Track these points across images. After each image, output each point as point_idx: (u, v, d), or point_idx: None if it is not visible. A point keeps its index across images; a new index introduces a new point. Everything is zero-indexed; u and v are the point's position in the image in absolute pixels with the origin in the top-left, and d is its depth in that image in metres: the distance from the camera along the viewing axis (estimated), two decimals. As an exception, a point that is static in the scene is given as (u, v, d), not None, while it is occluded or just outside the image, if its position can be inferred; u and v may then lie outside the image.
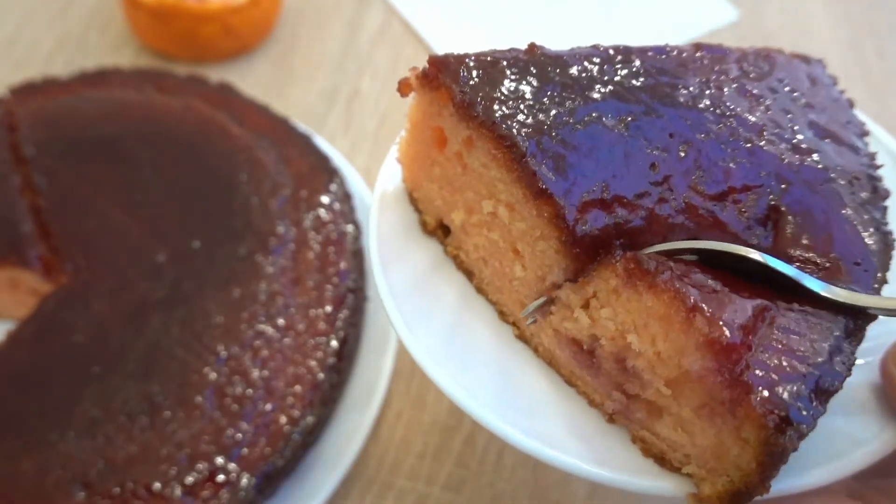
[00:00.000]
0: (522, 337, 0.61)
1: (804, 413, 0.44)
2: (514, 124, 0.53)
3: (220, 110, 1.05)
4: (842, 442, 0.49)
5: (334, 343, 0.85)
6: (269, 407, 0.80)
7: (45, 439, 0.76)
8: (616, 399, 0.54)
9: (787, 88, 0.65)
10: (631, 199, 0.53)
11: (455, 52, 0.58)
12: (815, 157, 0.60)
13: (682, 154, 0.56)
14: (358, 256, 0.94)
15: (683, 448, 0.50)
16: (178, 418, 0.78)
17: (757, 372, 0.45)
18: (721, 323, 0.45)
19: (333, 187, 0.98)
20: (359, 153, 1.17)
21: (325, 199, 0.97)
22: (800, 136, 0.61)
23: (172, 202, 0.95)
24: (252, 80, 1.25)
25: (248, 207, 0.94)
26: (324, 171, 1.00)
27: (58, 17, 1.34)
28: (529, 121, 0.54)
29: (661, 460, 0.52)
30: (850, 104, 0.67)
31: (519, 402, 0.55)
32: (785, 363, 0.45)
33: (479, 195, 0.59)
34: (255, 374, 0.81)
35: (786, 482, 0.48)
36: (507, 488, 0.85)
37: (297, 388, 0.81)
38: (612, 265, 0.50)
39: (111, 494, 0.73)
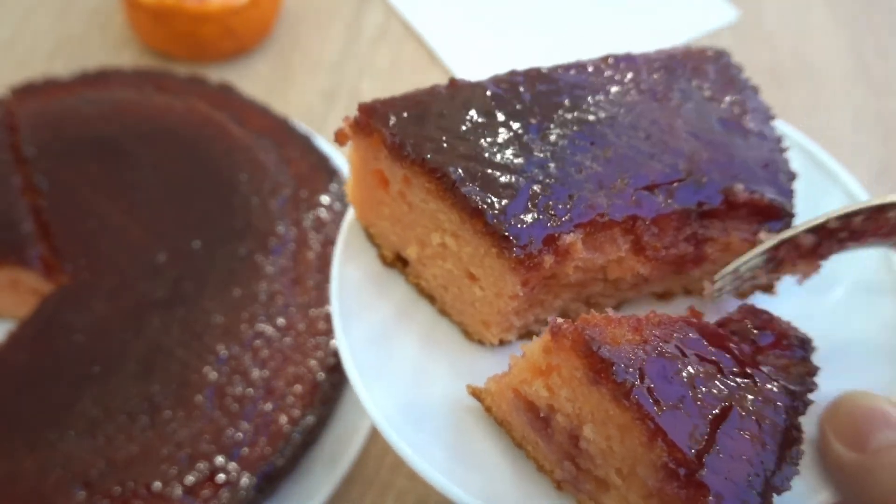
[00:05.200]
0: (476, 394, 0.60)
1: None
2: (443, 157, 0.57)
3: (221, 110, 1.05)
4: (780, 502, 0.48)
5: (334, 343, 0.85)
6: (269, 407, 0.80)
7: (45, 439, 0.76)
8: (566, 469, 0.54)
9: (694, 85, 0.68)
10: (562, 202, 0.56)
11: (382, 98, 0.61)
12: (726, 150, 0.63)
13: (606, 157, 0.59)
14: (358, 256, 0.94)
15: None
16: (178, 418, 0.78)
17: (712, 474, 0.45)
18: (681, 449, 0.45)
19: (333, 187, 0.98)
20: (359, 153, 1.17)
21: (325, 199, 0.97)
22: (710, 131, 0.64)
23: (173, 202, 0.95)
24: (252, 80, 1.25)
25: (248, 207, 0.94)
26: (324, 172, 1.00)
27: (58, 17, 1.34)
28: (457, 151, 0.58)
29: None
30: (755, 91, 0.69)
31: (472, 462, 0.56)
32: (738, 465, 0.46)
33: (426, 229, 0.62)
34: (255, 373, 0.81)
35: None
36: (507, 488, 0.85)
37: (297, 388, 0.81)
38: (581, 355, 0.48)
39: (111, 494, 0.73)
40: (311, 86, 1.26)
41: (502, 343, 0.63)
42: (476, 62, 1.29)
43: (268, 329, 0.85)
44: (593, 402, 0.49)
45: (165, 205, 0.95)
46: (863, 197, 0.69)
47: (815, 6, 1.41)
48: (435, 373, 0.62)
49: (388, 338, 0.63)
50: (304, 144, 1.04)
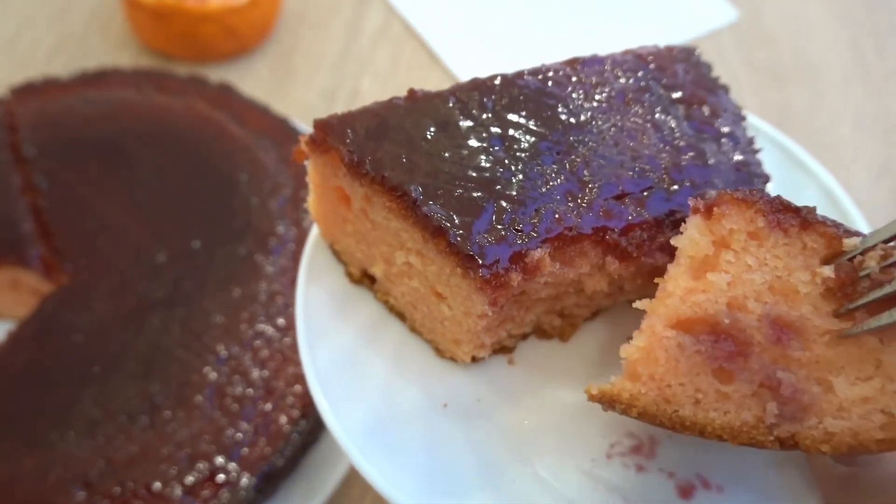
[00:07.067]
0: (605, 397, 0.51)
1: None
2: (403, 174, 0.55)
3: (221, 110, 1.05)
4: None
5: (334, 343, 0.85)
6: (269, 407, 0.80)
7: (46, 439, 0.76)
8: (786, 381, 0.46)
9: (662, 88, 0.65)
10: (528, 216, 0.54)
11: (339, 113, 0.59)
12: (698, 154, 0.61)
13: (573, 168, 0.57)
14: (358, 256, 0.94)
15: (876, 399, 0.45)
16: (178, 418, 0.78)
17: None
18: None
19: (333, 187, 0.98)
20: (359, 153, 1.17)
21: (325, 200, 0.97)
22: (680, 136, 0.62)
23: (173, 202, 0.95)
24: (252, 80, 1.25)
25: (248, 207, 0.94)
26: (324, 172, 1.00)
27: (58, 17, 1.34)
28: (417, 167, 0.55)
29: (856, 446, 0.45)
30: (726, 90, 0.68)
31: (447, 487, 0.54)
32: None
33: (391, 247, 0.60)
34: (255, 374, 0.81)
35: None
36: (507, 488, 0.85)
37: (297, 388, 0.81)
38: (750, 202, 0.49)
39: (111, 494, 0.73)
40: (311, 86, 1.26)
41: (475, 360, 0.61)
42: (476, 62, 1.29)
43: (268, 329, 0.85)
44: (781, 247, 0.49)
45: (165, 205, 0.95)
46: (837, 191, 0.67)
47: (815, 6, 1.41)
48: (406, 393, 0.60)
49: (357, 359, 0.61)
50: (304, 144, 1.04)
